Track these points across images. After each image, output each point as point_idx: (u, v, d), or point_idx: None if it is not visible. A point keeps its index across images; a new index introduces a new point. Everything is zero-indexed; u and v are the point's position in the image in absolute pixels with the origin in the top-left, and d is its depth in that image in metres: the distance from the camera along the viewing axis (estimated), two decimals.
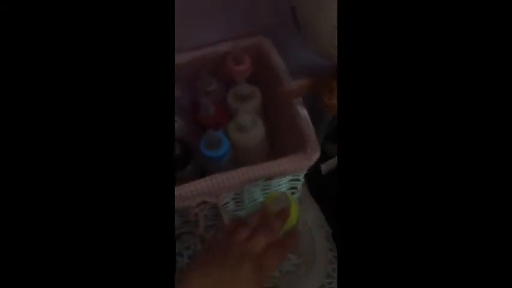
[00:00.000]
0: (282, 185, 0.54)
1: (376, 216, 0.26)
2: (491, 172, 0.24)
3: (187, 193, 0.47)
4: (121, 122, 0.26)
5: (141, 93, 0.27)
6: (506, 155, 0.24)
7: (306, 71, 0.54)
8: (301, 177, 0.54)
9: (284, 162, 0.47)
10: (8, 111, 0.24)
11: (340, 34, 0.27)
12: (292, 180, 0.54)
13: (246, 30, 0.60)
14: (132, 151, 0.26)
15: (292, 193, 0.57)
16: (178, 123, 0.55)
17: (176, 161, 0.51)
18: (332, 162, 0.61)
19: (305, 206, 0.61)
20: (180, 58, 0.57)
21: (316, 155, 0.48)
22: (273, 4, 0.59)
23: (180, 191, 0.47)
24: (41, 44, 0.25)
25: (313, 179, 0.62)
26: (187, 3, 0.53)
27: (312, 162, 0.48)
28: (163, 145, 0.27)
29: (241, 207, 0.57)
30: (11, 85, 0.25)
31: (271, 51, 0.58)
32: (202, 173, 0.52)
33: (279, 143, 0.62)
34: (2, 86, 0.24)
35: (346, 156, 0.27)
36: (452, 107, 0.25)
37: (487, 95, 0.24)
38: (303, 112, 0.50)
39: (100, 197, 0.26)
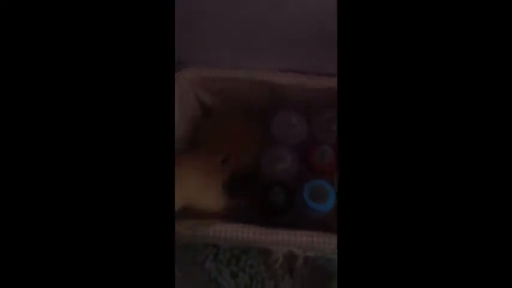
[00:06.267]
0: None
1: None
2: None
3: (279, 241, 0.44)
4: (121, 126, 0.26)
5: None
6: None
7: None
8: None
9: None
10: (7, 111, 0.24)
11: None
12: None
13: None
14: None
15: None
16: (287, 164, 0.50)
17: (277, 207, 0.48)
18: None
19: None
20: (310, 82, 0.52)
21: None
22: None
23: (273, 236, 0.44)
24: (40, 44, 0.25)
25: None
26: None
27: None
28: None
29: None
30: (10, 85, 0.24)
31: None
32: (302, 218, 0.49)
33: None
34: (2, 86, 0.24)
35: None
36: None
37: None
38: None
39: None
